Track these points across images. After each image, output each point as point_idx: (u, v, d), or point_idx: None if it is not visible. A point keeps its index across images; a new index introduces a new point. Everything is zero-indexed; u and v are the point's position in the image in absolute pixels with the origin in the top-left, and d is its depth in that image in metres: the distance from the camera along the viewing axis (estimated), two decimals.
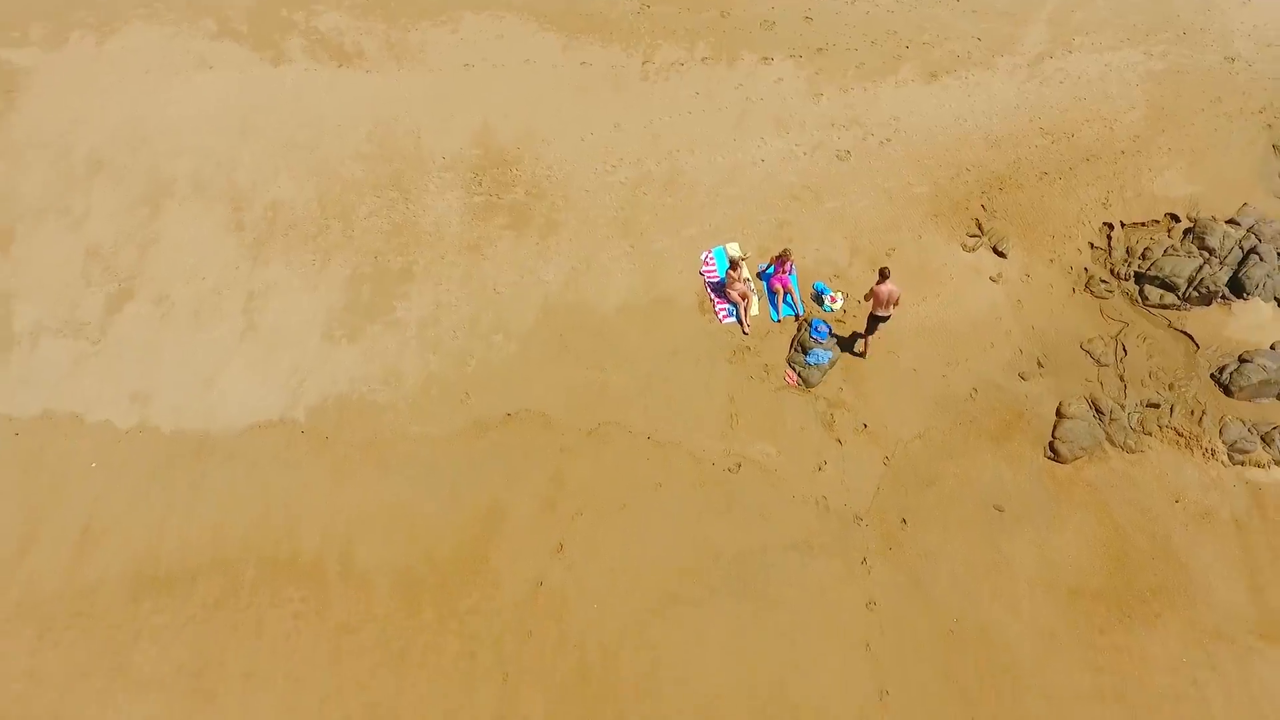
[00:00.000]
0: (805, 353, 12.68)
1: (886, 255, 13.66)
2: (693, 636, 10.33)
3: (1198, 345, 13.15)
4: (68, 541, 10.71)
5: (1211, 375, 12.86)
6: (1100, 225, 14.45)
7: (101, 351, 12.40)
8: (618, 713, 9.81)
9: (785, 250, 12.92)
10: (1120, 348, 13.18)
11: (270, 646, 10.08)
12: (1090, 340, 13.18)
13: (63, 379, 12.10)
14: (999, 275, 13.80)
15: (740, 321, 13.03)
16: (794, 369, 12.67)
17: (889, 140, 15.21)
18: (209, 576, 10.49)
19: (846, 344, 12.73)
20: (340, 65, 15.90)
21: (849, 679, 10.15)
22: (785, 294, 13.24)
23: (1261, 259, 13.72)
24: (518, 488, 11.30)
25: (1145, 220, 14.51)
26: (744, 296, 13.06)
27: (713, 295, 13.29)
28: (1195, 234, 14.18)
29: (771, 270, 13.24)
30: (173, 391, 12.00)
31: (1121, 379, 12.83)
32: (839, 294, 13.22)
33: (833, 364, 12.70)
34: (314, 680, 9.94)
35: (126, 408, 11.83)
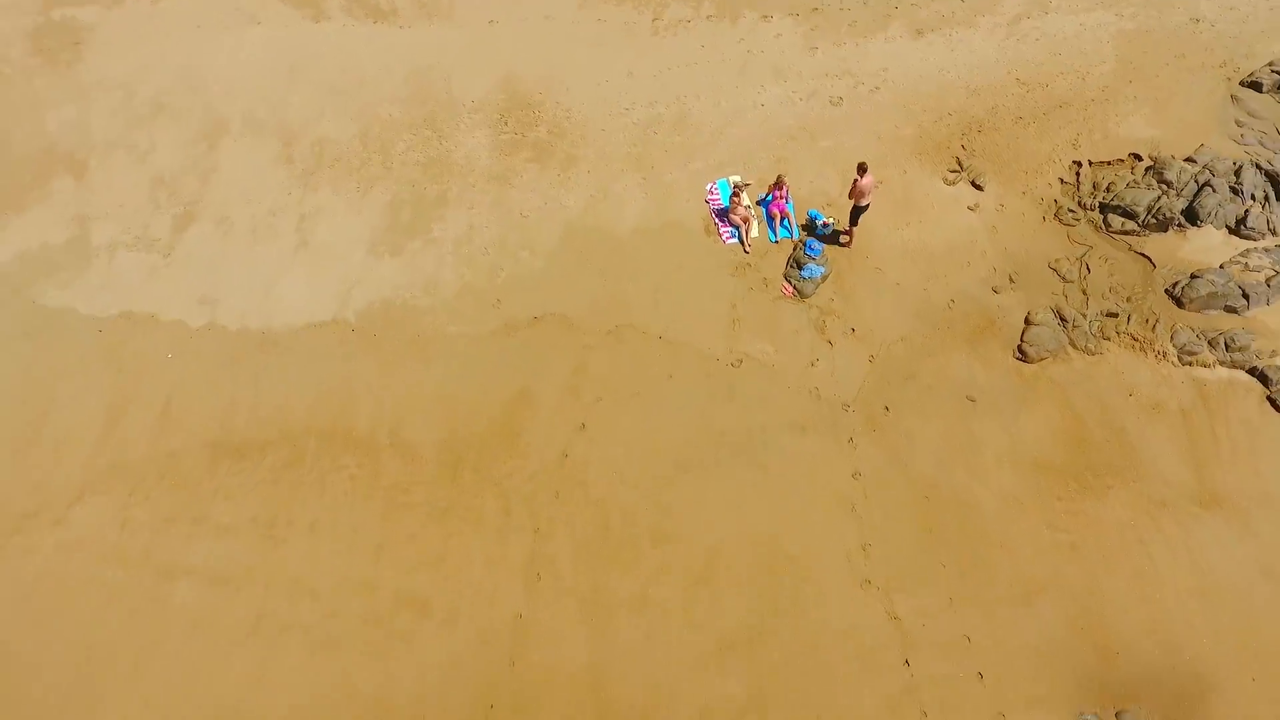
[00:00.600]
0: (800, 268, 14.31)
1: (875, 186, 15.24)
2: (699, 498, 11.94)
3: (1154, 265, 14.75)
4: (151, 416, 12.34)
5: (1166, 290, 14.46)
6: (1069, 163, 16.06)
7: (171, 263, 14.05)
8: (635, 558, 11.41)
9: (780, 176, 14.56)
10: (1084, 267, 14.79)
11: (331, 503, 11.70)
12: (1057, 260, 14.79)
13: (138, 286, 13.75)
14: (976, 205, 15.41)
15: (741, 242, 14.66)
16: (790, 282, 14.30)
17: (878, 89, 16.84)
18: (276, 447, 12.11)
19: (833, 239, 14.33)
20: (376, 22, 17.57)
21: (836, 534, 11.75)
22: (782, 218, 14.86)
23: (1214, 190, 15.34)
24: (544, 377, 12.93)
25: (1111, 159, 16.11)
26: (745, 220, 14.69)
27: (717, 220, 14.93)
28: (1155, 170, 15.80)
29: (770, 198, 14.88)
30: (236, 296, 13.65)
31: (1084, 293, 14.44)
32: (831, 219, 14.82)
33: (825, 278, 14.32)
34: (370, 531, 11.55)
35: (196, 310, 13.48)
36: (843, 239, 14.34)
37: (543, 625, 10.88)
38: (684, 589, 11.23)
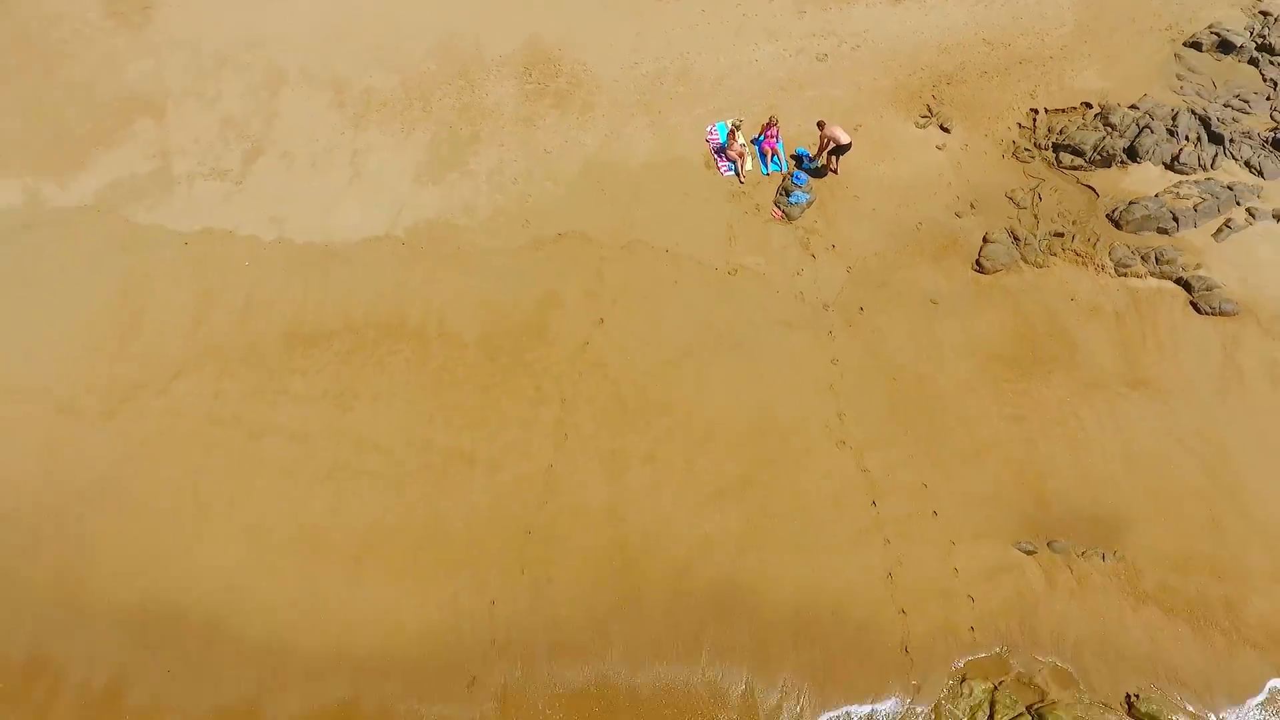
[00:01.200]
0: (788, 195, 16.64)
1: (854, 129, 17.57)
2: (700, 379, 14.24)
3: (1098, 194, 17.06)
4: (234, 311, 14.67)
5: (1107, 215, 16.77)
6: (1027, 111, 18.39)
7: (243, 190, 16.39)
8: (645, 424, 13.72)
9: (772, 118, 16.89)
10: (1037, 196, 17.12)
11: (390, 380, 14.02)
12: (1013, 190, 17.11)
13: (215, 208, 16.09)
14: (943, 145, 17.74)
15: (737, 174, 16.99)
16: (779, 207, 16.62)
17: (859, 47, 19.17)
18: (342, 336, 14.43)
19: (818, 172, 16.65)
20: None
21: (816, 406, 14.06)
22: (773, 155, 17.19)
23: (1152, 132, 17.67)
24: (567, 282, 15.25)
25: (1064, 107, 18.43)
26: (740, 155, 17.03)
27: (716, 155, 17.26)
28: (1102, 115, 18.14)
29: (762, 137, 17.21)
30: (301, 216, 15.98)
31: (1035, 217, 16.76)
32: (816, 157, 17.15)
33: (809, 204, 16.65)
34: (423, 402, 13.86)
35: (267, 227, 15.81)
36: (831, 169, 16.65)
37: (569, 474, 13.18)
38: (687, 448, 13.52)
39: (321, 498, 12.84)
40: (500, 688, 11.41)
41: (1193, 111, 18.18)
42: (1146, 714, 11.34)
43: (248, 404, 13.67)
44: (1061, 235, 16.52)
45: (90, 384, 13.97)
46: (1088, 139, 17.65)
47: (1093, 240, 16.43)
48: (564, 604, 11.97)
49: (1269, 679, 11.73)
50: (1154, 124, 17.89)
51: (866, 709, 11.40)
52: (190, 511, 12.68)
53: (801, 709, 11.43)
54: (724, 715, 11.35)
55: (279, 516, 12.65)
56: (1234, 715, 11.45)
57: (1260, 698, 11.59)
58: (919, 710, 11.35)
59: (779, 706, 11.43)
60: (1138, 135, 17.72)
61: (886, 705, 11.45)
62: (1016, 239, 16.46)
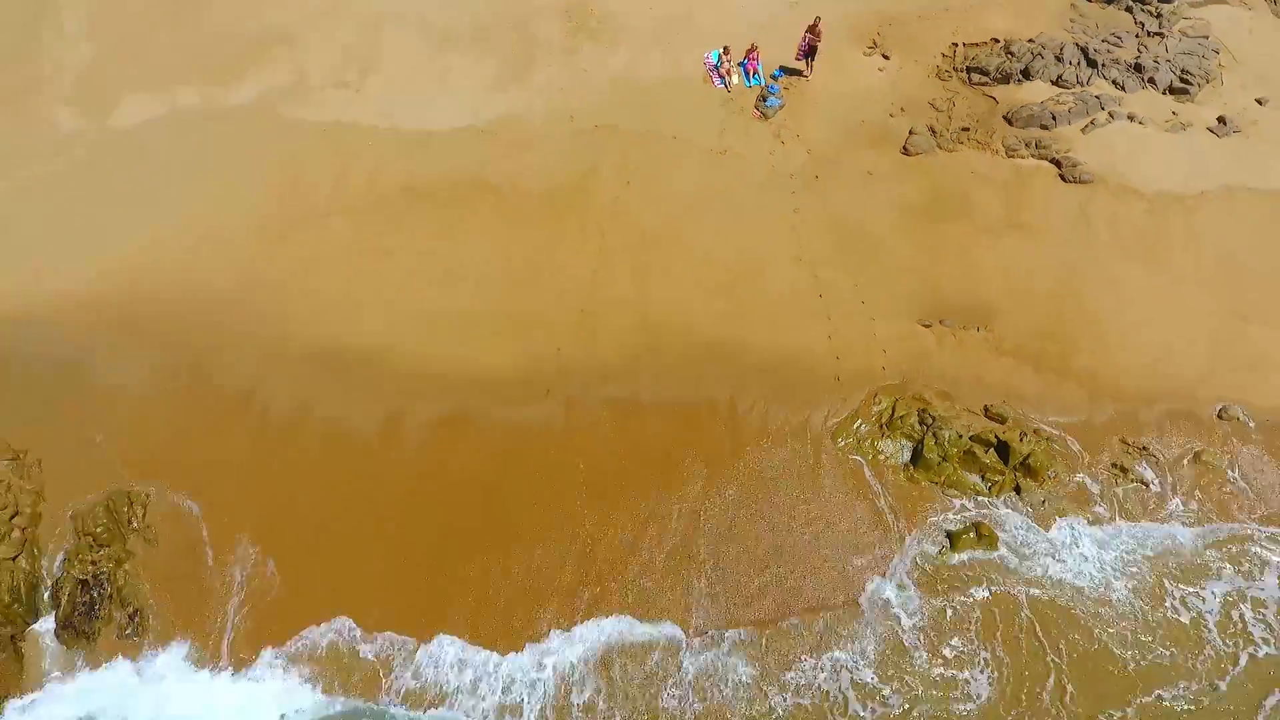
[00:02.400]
0: (765, 100, 22.74)
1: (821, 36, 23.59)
2: (699, 220, 20.29)
3: (997, 102, 23.14)
4: (363, 176, 20.77)
5: (1003, 116, 22.84)
6: (950, 44, 24.47)
7: (362, 95, 22.53)
8: (660, 249, 19.75)
9: (754, 44, 23.03)
10: (951, 103, 23.20)
11: (479, 218, 20.10)
12: (934, 99, 23.19)
13: (342, 107, 22.22)
14: (883, 68, 23.84)
15: (726, 87, 23.10)
16: (758, 109, 22.72)
17: None
18: (443, 190, 20.52)
19: (794, 72, 22.69)
20: None
21: (782, 240, 20.10)
22: (754, 73, 23.30)
23: (1043, 59, 23.76)
24: (602, 158, 21.33)
25: (978, 41, 24.52)
26: (729, 73, 23.14)
27: (711, 73, 23.37)
28: (1005, 46, 24.25)
29: (746, 60, 23.33)
30: (406, 113, 22.10)
31: (949, 117, 22.82)
32: (788, 79, 23.21)
33: (780, 108, 22.75)
34: (503, 232, 19.93)
35: (381, 120, 21.93)
36: (805, 75, 22.72)
37: (609, 278, 19.22)
38: (689, 264, 19.57)
39: (437, 290, 18.91)
40: (566, 397, 17.45)
41: (1077, 44, 24.28)
42: (997, 414, 17.34)
43: (379, 233, 19.76)
44: (968, 129, 22.60)
45: (266, 224, 20.07)
46: (992, 62, 23.77)
47: (990, 133, 22.51)
48: (607, 350, 18.02)
49: (1081, 399, 17.72)
50: (1045, 53, 24.01)
51: (808, 412, 17.40)
52: (344, 302, 18.75)
53: (767, 415, 17.43)
54: (714, 419, 17.36)
55: (407, 300, 18.72)
56: (1059, 421, 17.40)
57: (1078, 418, 17.48)
58: (845, 413, 17.36)
59: (750, 412, 17.44)
60: (1031, 60, 23.82)
61: (823, 411, 17.45)
62: (934, 132, 22.54)
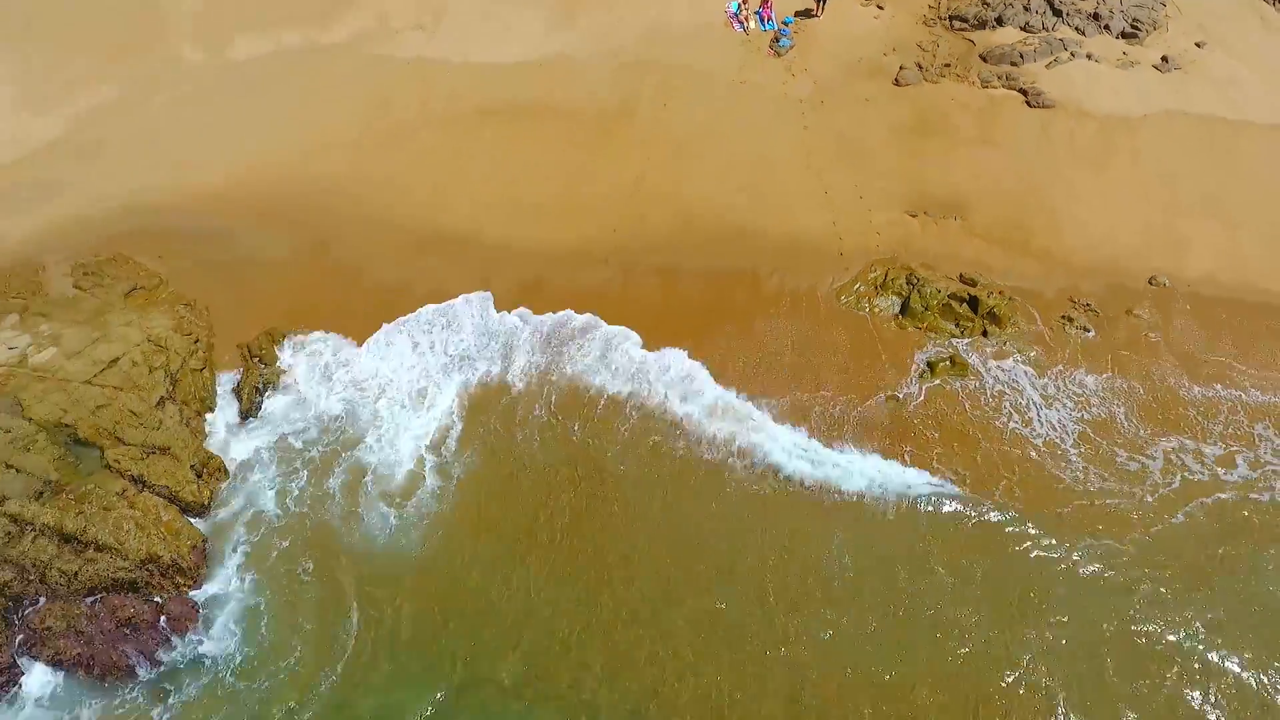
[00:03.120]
0: (778, 41, 27.14)
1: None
2: (723, 136, 24.63)
3: (975, 44, 27.56)
4: (443, 100, 25.09)
5: (979, 55, 27.25)
6: None
7: (435, 37, 26.86)
8: (693, 157, 24.08)
9: None
10: (935, 44, 27.62)
11: (542, 132, 24.42)
12: (921, 41, 27.60)
13: (421, 46, 26.54)
14: (878, 16, 28.27)
15: (745, 31, 27.49)
16: (772, 49, 27.12)
17: None
18: (510, 111, 24.84)
19: (805, 14, 27.10)
20: None
21: (793, 148, 24.46)
22: (769, 19, 27.70)
23: (1013, 7, 28.19)
24: (641, 87, 25.69)
25: None
26: (747, 19, 27.54)
27: (731, 20, 27.75)
28: None
29: (761, 10, 27.72)
30: (474, 50, 26.43)
31: (934, 55, 27.24)
32: (799, 22, 27.60)
33: (792, 48, 27.14)
34: (561, 142, 24.25)
35: (453, 55, 26.26)
36: (816, 14, 27.13)
37: (652, 177, 23.55)
38: (718, 168, 23.89)
39: (511, 187, 23.21)
40: (622, 265, 21.74)
41: None
42: (969, 279, 21.67)
43: (460, 143, 24.08)
44: (949, 65, 27.01)
45: (364, 137, 24.33)
46: (971, 11, 28.22)
47: (968, 69, 26.93)
48: (652, 232, 22.32)
49: (1038, 271, 22.03)
50: (1015, 3, 28.44)
51: (817, 278, 21.71)
52: (437, 189, 23.03)
53: (784, 280, 21.74)
54: (741, 283, 21.66)
55: (488, 194, 23.02)
56: (1019, 286, 21.71)
57: (1035, 284, 21.72)
58: (846, 279, 21.69)
59: (770, 278, 21.75)
60: (1004, 9, 28.26)
61: (829, 277, 21.77)
62: (921, 68, 26.94)
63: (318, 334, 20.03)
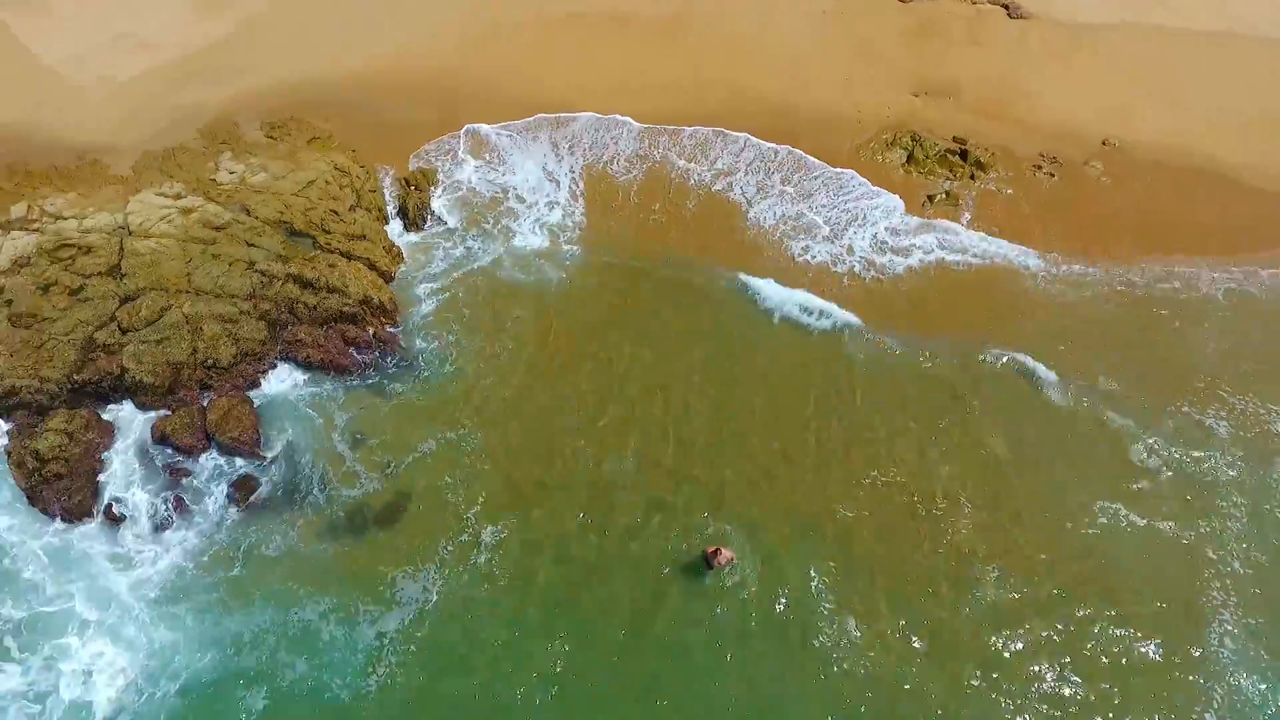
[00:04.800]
0: None
1: None
2: (765, 40, 31.11)
3: None
4: (535, 7, 31.54)
5: None
6: None
7: None
8: (741, 54, 30.53)
9: None
10: None
11: (616, 39, 30.86)
12: None
13: None
14: None
15: None
16: None
17: None
18: (590, 19, 31.29)
19: None
20: None
21: (820, 51, 30.93)
22: None
23: None
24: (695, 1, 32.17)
25: None
26: None
27: None
28: None
29: None
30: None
31: None
32: None
33: None
34: (635, 47, 30.69)
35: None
36: None
37: (707, 68, 29.99)
38: (761, 62, 30.34)
39: (597, 72, 29.62)
40: (653, 112, 28.17)
41: None
42: (960, 139, 28.11)
43: (552, 39, 30.52)
44: None
45: (470, 31, 30.74)
46: None
47: None
48: (710, 106, 28.75)
49: (1016, 134, 28.49)
50: None
51: (841, 139, 28.12)
52: (535, 71, 29.45)
53: (816, 138, 28.13)
54: (782, 139, 28.04)
55: (578, 76, 29.42)
56: (1001, 144, 28.14)
57: (1013, 144, 28.18)
58: (863, 139, 28.09)
59: (804, 136, 28.14)
60: None
61: (850, 139, 28.17)
62: None
63: (461, 164, 26.52)
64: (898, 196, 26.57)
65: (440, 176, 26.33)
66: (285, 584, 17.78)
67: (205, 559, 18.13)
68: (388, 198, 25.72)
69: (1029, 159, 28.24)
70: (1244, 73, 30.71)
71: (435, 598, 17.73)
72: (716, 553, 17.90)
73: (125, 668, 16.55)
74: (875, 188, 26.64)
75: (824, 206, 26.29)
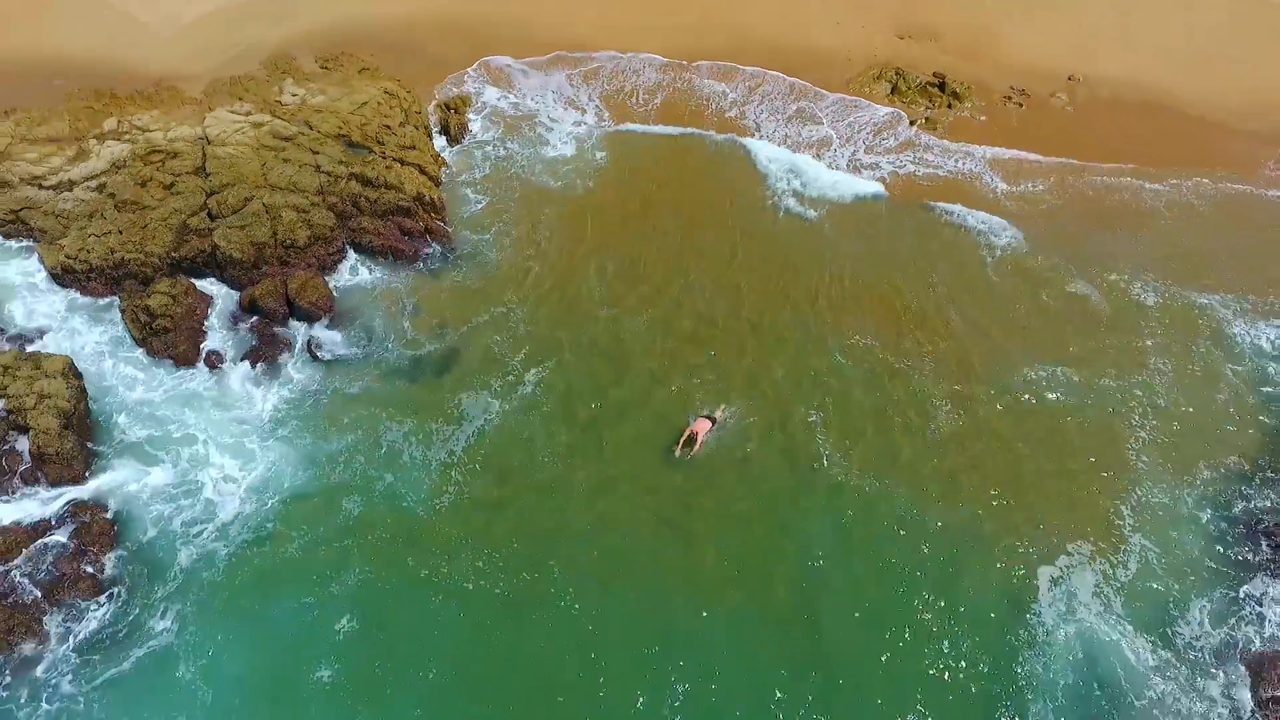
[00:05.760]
0: None
1: None
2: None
3: None
4: None
5: None
6: None
7: None
8: (741, 7, 34.17)
9: None
10: None
11: None
12: None
13: None
14: None
15: None
16: None
17: None
18: None
19: None
20: None
21: (814, 5, 34.63)
22: None
23: None
24: None
25: None
26: None
27: None
28: None
29: None
30: None
31: None
32: None
33: None
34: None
35: None
36: None
37: (714, 14, 33.62)
38: (759, 6, 33.96)
39: (614, 14, 33.19)
40: (669, 49, 31.77)
41: None
42: (939, 74, 31.75)
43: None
44: None
45: None
46: None
47: None
48: (715, 46, 32.37)
49: (991, 70, 32.15)
50: None
51: (833, 73, 31.74)
52: (560, 16, 33.00)
53: (808, 76, 31.74)
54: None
55: (600, 18, 32.99)
56: (976, 78, 31.77)
57: (987, 78, 31.85)
58: (853, 75, 31.70)
59: (800, 71, 31.75)
60: None
61: (842, 73, 31.77)
62: None
63: (494, 90, 30.12)
64: (902, 110, 30.55)
65: (475, 102, 29.95)
66: (368, 412, 21.22)
67: (296, 398, 21.56)
68: (431, 120, 29.27)
69: (1000, 91, 31.90)
70: (1192, 16, 34.49)
71: (494, 421, 21.23)
72: (693, 436, 20.85)
73: (240, 479, 19.96)
74: (879, 105, 30.73)
75: (834, 121, 30.13)
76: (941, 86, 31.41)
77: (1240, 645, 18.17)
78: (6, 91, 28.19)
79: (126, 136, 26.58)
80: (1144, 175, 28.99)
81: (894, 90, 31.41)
